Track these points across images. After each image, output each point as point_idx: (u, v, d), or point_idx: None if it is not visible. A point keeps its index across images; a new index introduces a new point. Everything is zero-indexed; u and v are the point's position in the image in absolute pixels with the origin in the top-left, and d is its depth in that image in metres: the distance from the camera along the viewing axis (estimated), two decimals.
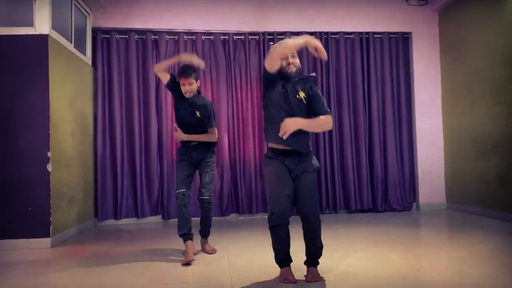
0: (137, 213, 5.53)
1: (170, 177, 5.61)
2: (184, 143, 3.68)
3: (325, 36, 5.94)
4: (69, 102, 4.65)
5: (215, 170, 3.81)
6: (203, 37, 5.78)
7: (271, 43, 5.90)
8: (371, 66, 6.00)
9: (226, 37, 5.83)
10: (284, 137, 2.58)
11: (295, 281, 2.70)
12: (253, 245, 3.95)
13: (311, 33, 5.91)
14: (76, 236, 4.63)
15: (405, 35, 6.16)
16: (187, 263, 3.27)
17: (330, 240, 3.85)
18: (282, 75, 2.78)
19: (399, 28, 6.10)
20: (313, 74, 3.00)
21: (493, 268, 2.94)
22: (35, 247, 4.00)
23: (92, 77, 5.51)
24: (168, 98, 5.64)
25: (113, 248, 4.02)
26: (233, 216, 5.76)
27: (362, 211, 5.90)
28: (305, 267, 2.83)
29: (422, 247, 3.72)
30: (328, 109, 2.80)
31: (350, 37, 6.01)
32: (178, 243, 4.03)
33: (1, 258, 3.67)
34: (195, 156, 3.65)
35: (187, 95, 3.59)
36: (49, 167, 4.08)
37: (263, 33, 5.85)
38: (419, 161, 6.03)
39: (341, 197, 5.86)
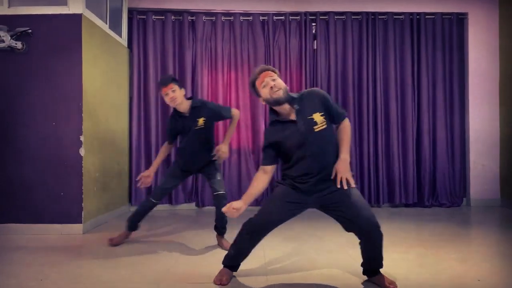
0: (171, 200, 5.40)
1: None
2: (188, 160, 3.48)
3: (372, 17, 5.52)
4: (103, 84, 4.52)
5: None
6: (241, 18, 5.50)
7: (313, 24, 5.56)
8: (421, 50, 5.54)
9: (266, 17, 5.52)
10: (345, 187, 2.27)
11: (226, 284, 2.53)
12: (289, 236, 3.71)
13: (357, 14, 5.52)
14: (109, 222, 4.52)
15: (460, 16, 5.64)
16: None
17: None
18: (273, 107, 2.44)
19: (453, 8, 5.59)
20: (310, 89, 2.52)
21: None
22: (67, 233, 3.91)
23: (128, 59, 5.36)
24: (204, 81, 5.43)
25: (145, 236, 3.87)
26: None
27: (407, 205, 5.53)
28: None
29: (479, 251, 3.35)
30: (342, 109, 2.51)
31: (399, 18, 5.57)
32: (211, 233, 3.85)
33: (34, 243, 3.59)
34: (198, 168, 3.51)
35: (173, 105, 3.29)
36: (82, 152, 3.96)
37: (305, 13, 5.51)
38: (472, 152, 5.56)
39: (385, 189, 5.50)
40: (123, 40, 5.21)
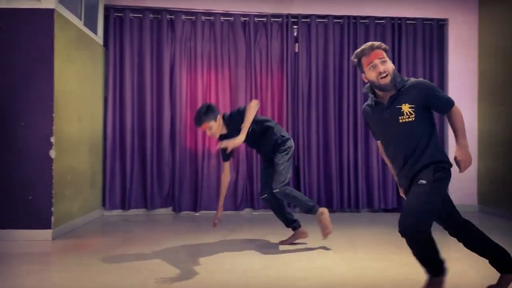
0: (146, 204, 5.22)
1: (183, 167, 5.28)
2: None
3: (354, 21, 5.49)
4: (77, 83, 4.32)
5: (286, 157, 3.42)
6: (222, 18, 5.38)
7: (295, 26, 5.49)
8: (402, 55, 5.53)
9: (247, 18, 5.41)
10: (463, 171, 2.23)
11: None
12: (270, 245, 3.61)
13: (339, 17, 5.48)
14: (80, 228, 4.33)
15: (440, 22, 5.66)
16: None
17: (353, 243, 3.51)
18: (375, 91, 2.33)
19: (434, 14, 5.61)
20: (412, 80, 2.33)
21: None
22: (36, 239, 3.70)
23: (103, 58, 5.17)
24: (182, 82, 5.30)
25: (119, 243, 3.70)
26: (247, 211, 5.41)
27: (386, 210, 5.51)
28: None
29: (455, 255, 3.32)
30: (449, 98, 2.28)
31: (380, 23, 5.55)
32: (190, 240, 3.71)
33: (1, 249, 3.40)
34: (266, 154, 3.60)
35: (214, 138, 3.46)
36: (52, 154, 3.76)
37: (287, 16, 5.43)
38: (450, 157, 5.57)
39: (364, 195, 5.47)
40: (99, 38, 5.01)
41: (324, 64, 5.47)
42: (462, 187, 5.55)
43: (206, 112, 3.25)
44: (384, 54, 2.26)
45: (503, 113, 5.07)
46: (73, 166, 4.20)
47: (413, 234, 2.18)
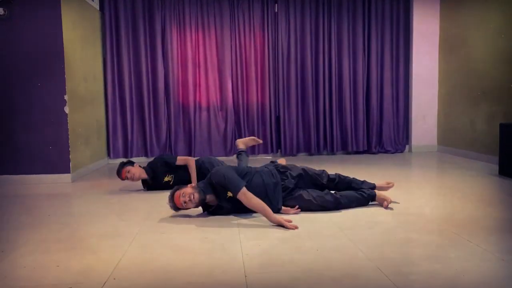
0: (147, 152, 5.92)
1: (177, 120, 5.95)
2: None
3: None
4: (81, 47, 4.88)
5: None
6: None
7: None
8: (372, 13, 6.11)
9: None
10: None
11: None
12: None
13: None
14: (92, 173, 5.03)
15: None
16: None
17: None
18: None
19: None
20: None
21: (473, 204, 3.33)
22: (58, 182, 4.41)
23: (100, 22, 5.67)
24: (173, 43, 5.85)
25: (124, 184, 4.29)
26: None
27: (358, 152, 6.28)
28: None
29: (411, 186, 4.10)
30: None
31: None
32: None
33: (33, 191, 4.11)
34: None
35: (136, 181, 3.91)
36: (66, 109, 4.39)
37: None
38: (414, 105, 6.31)
39: (339, 139, 6.21)
40: (96, 3, 5.50)
41: (301, 23, 6.03)
42: (425, 131, 6.33)
43: (123, 164, 3.85)
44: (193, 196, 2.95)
45: (458, 69, 5.75)
46: (82, 121, 4.85)
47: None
